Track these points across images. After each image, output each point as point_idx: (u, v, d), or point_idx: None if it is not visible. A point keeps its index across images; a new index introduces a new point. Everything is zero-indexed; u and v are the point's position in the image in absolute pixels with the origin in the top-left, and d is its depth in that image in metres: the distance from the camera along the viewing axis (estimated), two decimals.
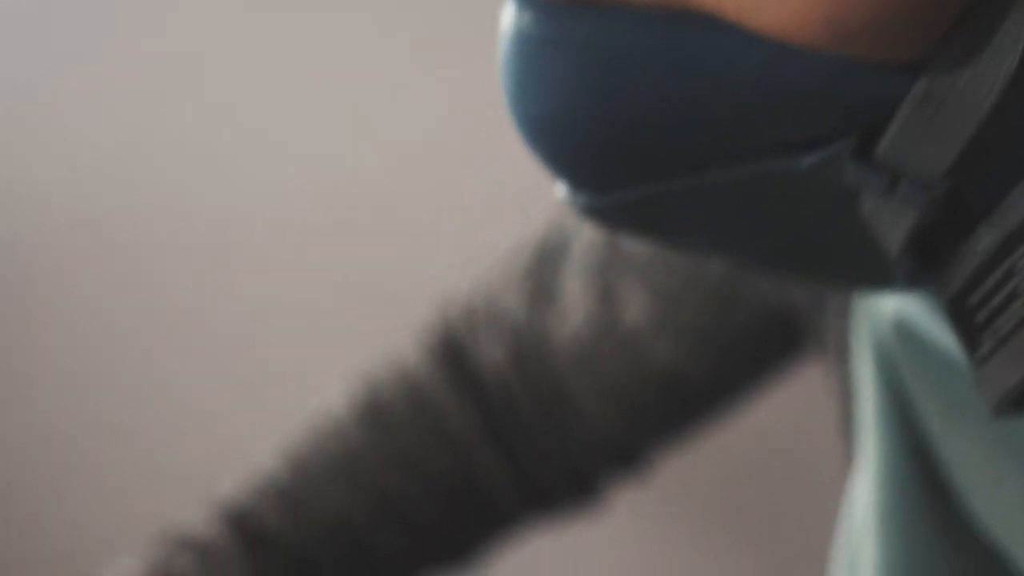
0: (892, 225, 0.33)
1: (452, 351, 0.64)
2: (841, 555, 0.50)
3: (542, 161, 0.33)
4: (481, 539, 0.65)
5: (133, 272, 1.13)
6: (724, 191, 0.33)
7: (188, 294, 1.12)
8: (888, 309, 0.44)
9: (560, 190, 0.35)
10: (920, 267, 0.35)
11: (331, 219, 1.04)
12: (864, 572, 0.46)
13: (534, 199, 0.76)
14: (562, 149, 0.33)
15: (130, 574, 0.60)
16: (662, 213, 0.34)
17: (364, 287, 1.04)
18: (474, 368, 0.63)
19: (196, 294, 1.12)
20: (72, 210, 1.12)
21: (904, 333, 0.43)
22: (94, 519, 1.16)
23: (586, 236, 0.61)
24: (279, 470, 0.63)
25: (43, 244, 1.13)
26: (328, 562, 0.61)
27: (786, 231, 0.35)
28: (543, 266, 0.63)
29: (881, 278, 0.36)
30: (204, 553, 0.60)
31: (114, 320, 1.14)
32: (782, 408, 0.78)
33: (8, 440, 1.18)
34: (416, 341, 0.65)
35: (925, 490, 0.44)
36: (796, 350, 0.59)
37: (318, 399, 0.67)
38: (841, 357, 0.52)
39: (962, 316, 0.33)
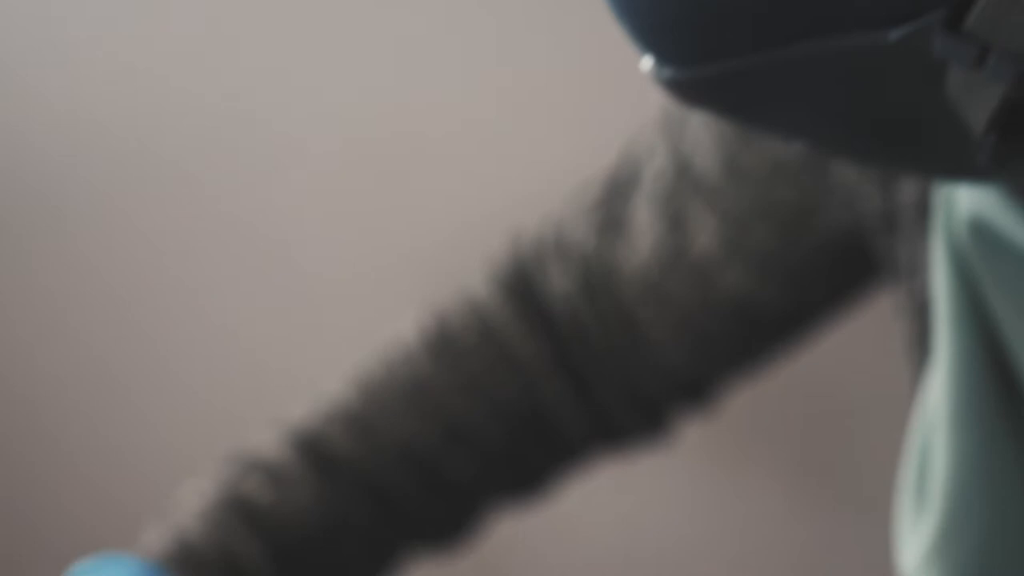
0: (978, 101, 0.33)
1: (522, 283, 0.65)
2: (914, 443, 0.50)
3: (629, 33, 0.34)
4: (548, 469, 0.66)
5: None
6: (810, 67, 0.33)
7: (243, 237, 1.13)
8: (963, 209, 0.44)
9: (646, 63, 0.35)
10: (1005, 147, 0.35)
11: (396, 153, 1.05)
12: (936, 461, 0.46)
13: (602, 131, 0.76)
14: (649, 20, 0.33)
15: (202, 493, 0.61)
16: (746, 89, 0.34)
17: (433, 220, 1.05)
18: (543, 299, 0.64)
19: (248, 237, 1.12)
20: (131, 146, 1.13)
21: (979, 232, 0.43)
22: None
23: (656, 165, 0.62)
24: (349, 396, 0.63)
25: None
26: (396, 486, 0.62)
27: (870, 111, 0.35)
28: (613, 198, 0.63)
29: (963, 163, 0.36)
30: (274, 475, 0.61)
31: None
32: (848, 341, 0.78)
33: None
34: (486, 273, 0.66)
35: (997, 387, 0.44)
36: (867, 276, 0.59)
37: (385, 332, 0.67)
38: (912, 274, 0.52)
39: None
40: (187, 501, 0.61)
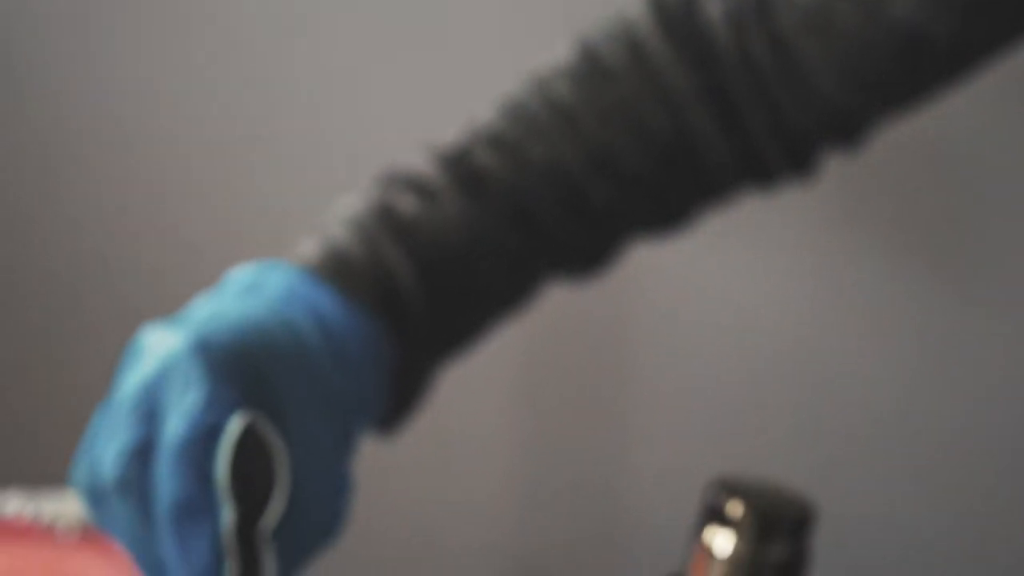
0: None
1: (676, 10, 0.63)
2: None
3: None
4: (691, 202, 0.66)
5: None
6: None
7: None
8: None
9: None
10: None
11: None
12: None
13: None
14: None
15: (353, 208, 0.61)
16: None
17: None
18: (699, 25, 0.63)
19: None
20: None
21: None
22: None
23: None
24: (497, 120, 0.63)
25: None
26: (542, 208, 0.62)
27: None
28: None
29: None
30: (421, 189, 0.61)
31: None
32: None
33: None
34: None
35: None
36: None
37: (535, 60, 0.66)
38: None
39: None
40: (337, 214, 0.62)
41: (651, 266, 1.08)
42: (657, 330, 1.14)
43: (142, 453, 0.50)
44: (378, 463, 0.66)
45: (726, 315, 1.11)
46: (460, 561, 1.25)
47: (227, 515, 0.49)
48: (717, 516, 0.49)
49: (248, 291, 0.56)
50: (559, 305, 0.75)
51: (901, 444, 1.09)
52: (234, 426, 0.49)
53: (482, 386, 1.19)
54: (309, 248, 0.60)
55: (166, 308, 0.70)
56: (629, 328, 1.16)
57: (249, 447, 0.50)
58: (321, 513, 0.52)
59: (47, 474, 0.89)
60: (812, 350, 1.10)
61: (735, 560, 0.48)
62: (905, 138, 0.77)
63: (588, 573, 1.20)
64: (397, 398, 0.60)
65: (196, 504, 0.49)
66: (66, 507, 0.72)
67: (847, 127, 0.63)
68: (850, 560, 1.07)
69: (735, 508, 0.48)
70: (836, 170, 0.68)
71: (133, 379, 0.51)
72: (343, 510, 0.53)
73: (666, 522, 1.03)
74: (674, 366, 1.14)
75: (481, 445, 1.22)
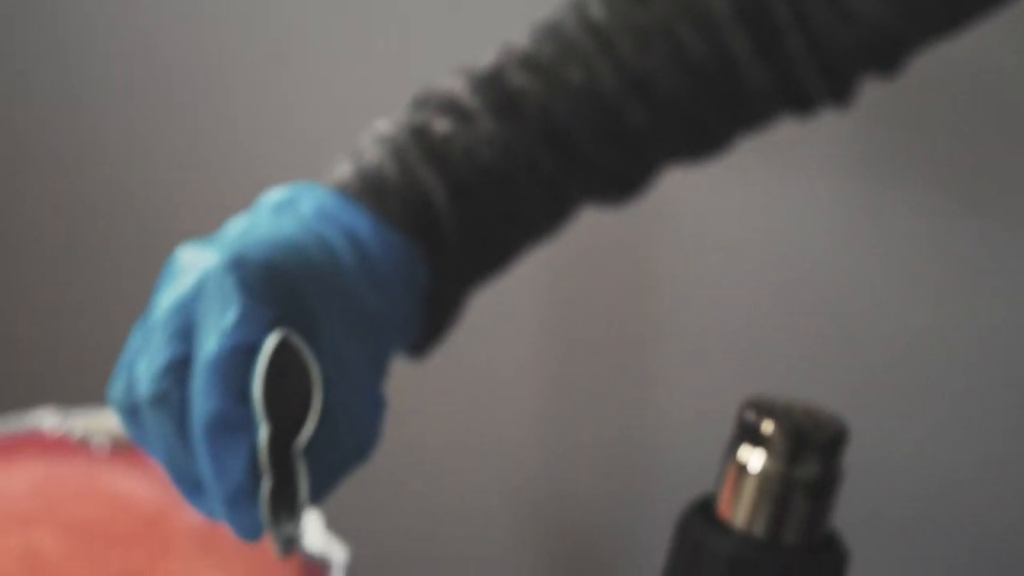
0: None
1: None
2: None
3: None
4: (726, 126, 0.65)
5: None
6: None
7: None
8: None
9: None
10: None
11: None
12: None
13: None
14: None
15: (387, 131, 0.61)
16: None
17: None
18: None
19: None
20: None
21: None
22: None
23: None
24: (532, 42, 0.63)
25: None
26: (576, 129, 0.61)
27: None
28: None
29: None
30: (454, 109, 0.60)
31: None
32: None
33: None
34: None
35: None
36: None
37: None
38: None
39: None
40: (370, 136, 0.61)
41: (677, 190, 1.08)
42: (683, 256, 1.14)
43: (178, 370, 0.50)
44: (403, 396, 0.67)
45: (753, 240, 1.11)
46: (481, 496, 1.26)
47: (262, 432, 0.49)
48: (750, 435, 0.49)
49: (282, 211, 0.56)
50: (584, 231, 0.75)
51: (927, 369, 1.09)
52: (269, 343, 0.49)
53: (506, 318, 1.19)
54: (343, 170, 0.60)
55: (200, 230, 0.71)
56: (655, 254, 1.16)
57: (284, 364, 0.50)
58: (354, 432, 0.52)
59: (83, 393, 0.90)
60: (839, 276, 1.09)
61: (767, 479, 0.48)
62: (937, 65, 0.76)
63: (613, 505, 1.21)
64: (428, 322, 0.60)
65: (231, 420, 0.49)
66: (101, 423, 0.73)
67: (886, 52, 0.63)
68: (878, 481, 1.07)
69: (768, 427, 0.48)
70: (866, 95, 0.68)
71: (169, 297, 0.51)
72: (375, 430, 0.53)
73: (694, 454, 1.04)
74: (701, 292, 1.14)
75: (505, 379, 1.22)
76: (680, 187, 0.84)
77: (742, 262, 1.12)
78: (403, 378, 0.63)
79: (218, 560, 0.59)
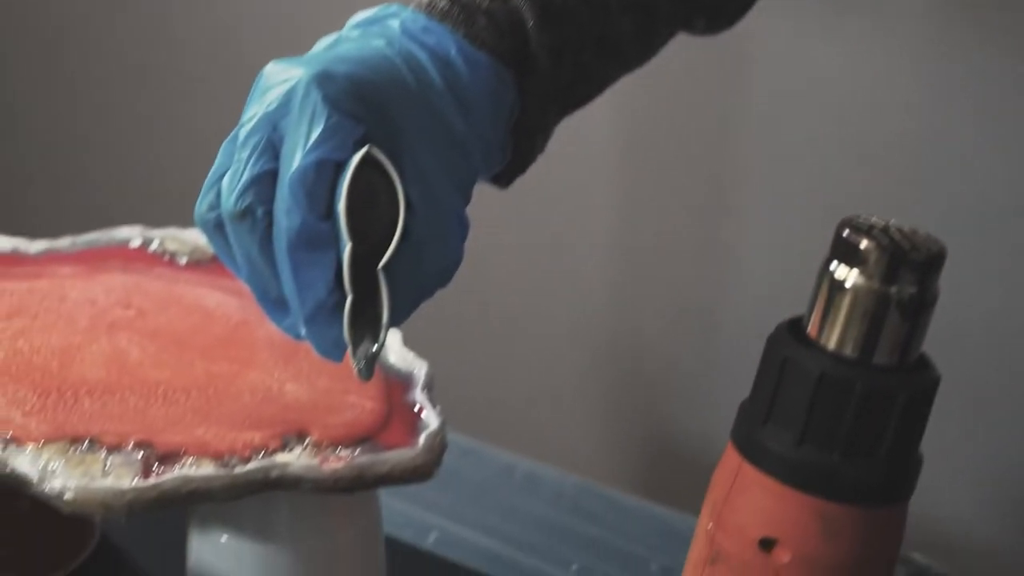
0: None
1: None
2: None
3: None
4: None
5: None
6: None
7: None
8: None
9: None
10: None
11: None
12: None
13: None
14: None
15: None
16: None
17: None
18: None
19: None
20: None
21: None
22: None
23: None
24: None
25: None
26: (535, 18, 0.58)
27: None
28: None
29: None
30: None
31: None
32: None
33: None
34: None
35: None
36: None
37: None
38: None
39: None
40: None
41: (760, 40, 1.06)
42: (764, 97, 1.13)
43: (263, 184, 0.50)
44: (481, 222, 0.67)
45: (833, 95, 1.09)
46: (553, 329, 1.26)
47: (346, 248, 0.49)
48: (846, 253, 0.49)
49: (370, 29, 0.56)
50: (668, 67, 0.74)
51: (1015, 203, 1.07)
52: (355, 158, 0.49)
53: (585, 153, 1.19)
54: None
55: (290, 46, 0.70)
56: (735, 94, 1.14)
57: (369, 182, 0.50)
58: (436, 254, 0.52)
59: (169, 215, 0.91)
60: (921, 119, 1.07)
61: (861, 296, 0.48)
62: None
63: (686, 343, 1.21)
64: (513, 149, 0.60)
65: (315, 236, 0.50)
66: (186, 239, 0.74)
67: None
68: (966, 303, 1.06)
69: (865, 244, 0.48)
70: None
71: (256, 112, 0.51)
72: (457, 253, 0.53)
73: (768, 294, 1.03)
74: (779, 136, 1.12)
75: (581, 212, 1.22)
76: (762, 29, 0.83)
77: (822, 104, 1.10)
78: (482, 205, 0.63)
79: (301, 372, 0.60)
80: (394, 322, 0.51)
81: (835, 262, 0.49)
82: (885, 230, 0.49)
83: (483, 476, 0.91)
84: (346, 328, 0.50)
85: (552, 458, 0.96)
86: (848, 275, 0.49)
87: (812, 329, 0.50)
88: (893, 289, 0.48)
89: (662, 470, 1.23)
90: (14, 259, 0.72)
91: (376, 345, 0.50)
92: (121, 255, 0.72)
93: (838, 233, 0.49)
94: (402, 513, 0.85)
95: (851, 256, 0.49)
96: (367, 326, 0.50)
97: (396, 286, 0.50)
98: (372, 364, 0.51)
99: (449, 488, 0.88)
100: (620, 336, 1.24)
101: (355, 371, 0.51)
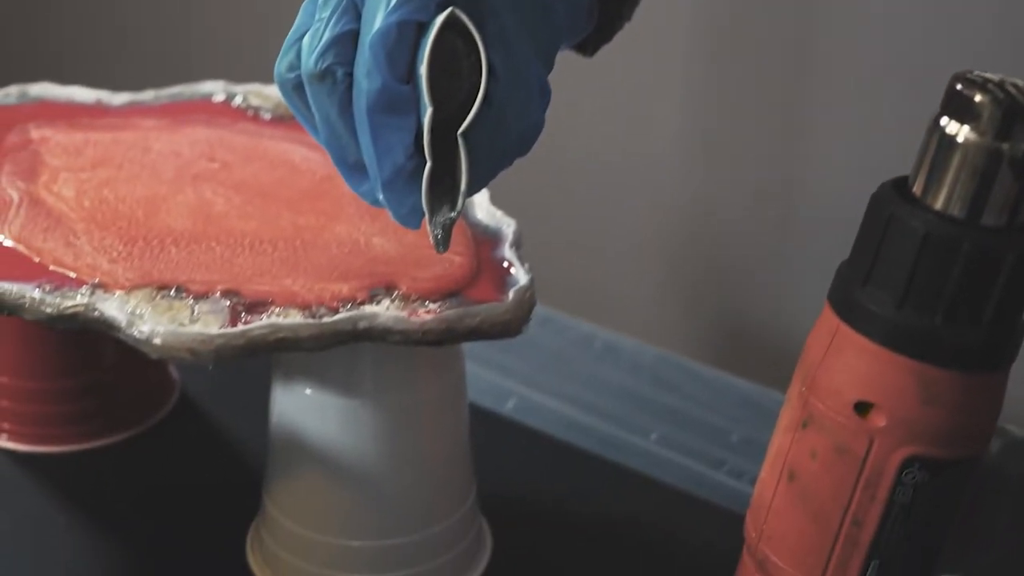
0: None
1: None
2: None
3: None
4: None
5: None
6: None
7: None
8: None
9: None
10: None
11: None
12: None
13: None
14: None
15: None
16: None
17: None
18: None
19: None
20: None
21: None
22: None
23: None
24: None
25: None
26: None
27: None
28: None
29: None
30: None
31: None
32: None
33: None
34: None
35: None
36: None
37: None
38: None
39: None
40: None
41: None
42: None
43: (344, 45, 0.49)
44: (563, 93, 0.65)
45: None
46: (632, 204, 1.25)
47: (427, 112, 0.48)
48: (958, 108, 0.47)
49: None
50: None
51: None
52: (438, 20, 0.48)
53: (666, 32, 1.16)
54: None
55: None
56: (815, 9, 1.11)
57: (451, 45, 0.49)
58: (517, 121, 0.51)
59: (251, 72, 0.90)
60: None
61: (972, 152, 0.47)
62: None
63: (765, 231, 1.20)
64: (600, 15, 0.58)
65: (395, 99, 0.48)
66: (269, 94, 0.73)
67: None
68: None
69: (979, 98, 0.46)
70: None
71: None
72: (538, 121, 0.52)
73: (850, 183, 1.01)
74: (862, 26, 1.09)
75: (661, 95, 1.20)
76: None
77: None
78: (564, 75, 0.61)
79: (388, 226, 0.59)
80: (472, 190, 0.50)
81: (945, 118, 0.47)
82: (1000, 85, 0.47)
83: (562, 345, 0.90)
84: (424, 195, 0.49)
85: (630, 332, 0.95)
86: (959, 131, 0.47)
87: (918, 188, 0.49)
88: (1006, 146, 0.46)
89: (739, 347, 1.22)
90: (98, 111, 0.71)
91: (454, 213, 0.49)
92: (205, 109, 0.72)
93: (951, 87, 0.47)
94: (481, 379, 0.85)
95: (963, 111, 0.47)
96: (444, 193, 0.50)
97: (475, 153, 0.49)
98: (449, 232, 0.50)
99: (528, 355, 0.88)
100: (697, 211, 1.23)
101: (432, 239, 0.50)
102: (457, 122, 0.48)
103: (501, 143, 0.50)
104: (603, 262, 1.28)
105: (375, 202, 0.52)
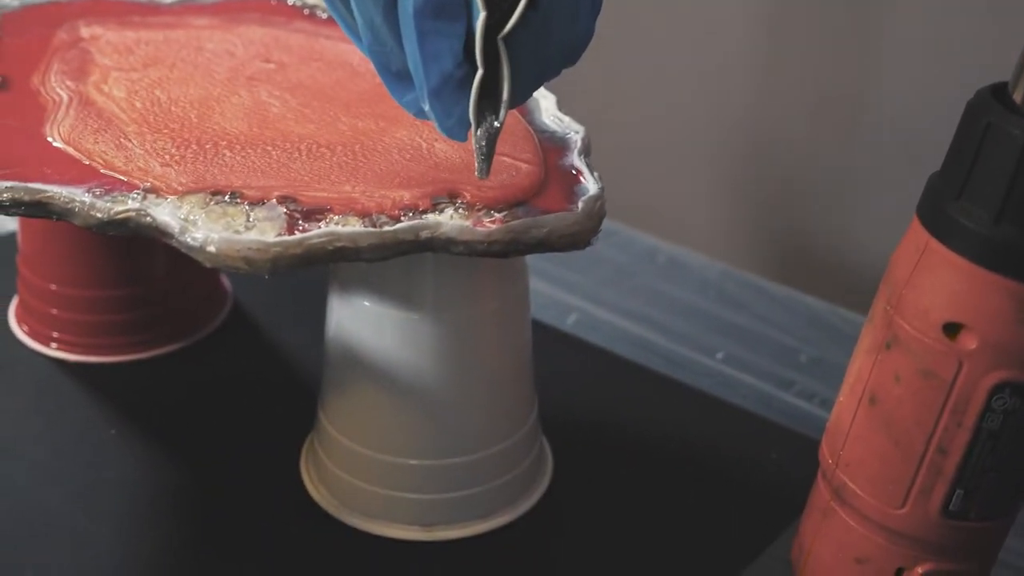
0: None
1: None
2: None
3: None
4: None
5: None
6: None
7: None
8: None
9: None
10: None
11: None
12: None
13: None
14: None
15: None
16: None
17: None
18: None
19: None
20: None
21: None
22: None
23: None
24: None
25: None
26: None
27: None
28: None
29: None
30: None
31: None
32: None
33: None
34: None
35: None
36: None
37: None
38: None
39: None
40: None
41: None
42: None
43: None
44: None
45: None
46: (693, 116, 1.22)
47: (479, 16, 0.45)
48: None
49: None
50: None
51: None
52: None
53: None
54: None
55: None
56: None
57: None
58: (565, 26, 0.48)
59: None
60: None
61: None
62: None
63: (830, 155, 1.16)
64: None
65: (443, 3, 0.45)
66: None
67: None
68: None
69: None
70: None
71: None
72: (588, 27, 0.49)
73: (917, 113, 0.97)
74: None
75: (725, 19, 1.16)
76: None
77: None
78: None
79: None
80: (516, 100, 0.47)
81: None
82: None
83: (625, 259, 0.87)
84: (472, 104, 0.46)
85: (694, 247, 0.93)
86: None
87: (1019, 94, 0.46)
88: None
89: (806, 263, 1.19)
90: (149, 8, 0.69)
91: (499, 122, 0.47)
92: (259, 7, 0.69)
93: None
94: (541, 293, 0.82)
95: None
96: (490, 102, 0.47)
97: (520, 60, 0.46)
98: (492, 147, 0.47)
99: (590, 270, 0.85)
100: (764, 125, 1.19)
101: (475, 151, 0.48)
102: (505, 27, 0.45)
103: (547, 51, 0.48)
104: (666, 175, 1.25)
105: (419, 112, 0.49)
